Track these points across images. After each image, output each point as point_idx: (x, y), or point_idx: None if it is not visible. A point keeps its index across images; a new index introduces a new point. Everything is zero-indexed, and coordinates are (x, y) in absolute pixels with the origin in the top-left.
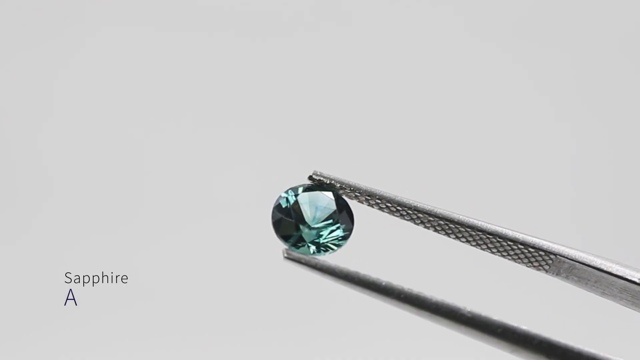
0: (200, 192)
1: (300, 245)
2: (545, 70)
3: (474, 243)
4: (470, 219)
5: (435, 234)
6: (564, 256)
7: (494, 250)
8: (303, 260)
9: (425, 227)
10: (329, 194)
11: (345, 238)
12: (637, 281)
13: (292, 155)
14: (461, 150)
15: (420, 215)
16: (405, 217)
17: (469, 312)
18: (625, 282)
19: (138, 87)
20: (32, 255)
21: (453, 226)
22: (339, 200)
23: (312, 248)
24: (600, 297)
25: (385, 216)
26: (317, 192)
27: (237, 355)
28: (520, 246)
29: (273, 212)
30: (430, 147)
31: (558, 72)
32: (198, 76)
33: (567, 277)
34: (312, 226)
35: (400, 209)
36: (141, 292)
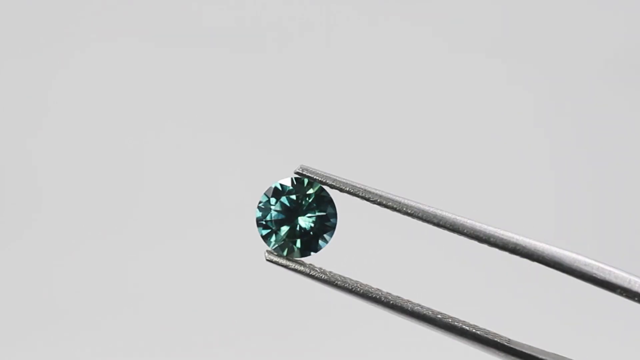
0: (198, 197)
1: (283, 245)
2: (527, 82)
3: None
4: (454, 217)
5: (424, 224)
6: (544, 263)
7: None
8: (284, 262)
9: (412, 217)
10: (312, 192)
11: (329, 235)
12: (618, 292)
13: (288, 159)
14: (452, 155)
15: (406, 211)
16: (390, 209)
17: (440, 318)
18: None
19: (133, 92)
20: (28, 259)
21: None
22: (323, 195)
23: (296, 247)
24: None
25: (372, 209)
26: (301, 188)
27: (236, 356)
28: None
29: (257, 209)
30: (423, 151)
31: (541, 84)
32: (193, 81)
33: None
34: (296, 225)
35: (386, 207)
36: (139, 297)
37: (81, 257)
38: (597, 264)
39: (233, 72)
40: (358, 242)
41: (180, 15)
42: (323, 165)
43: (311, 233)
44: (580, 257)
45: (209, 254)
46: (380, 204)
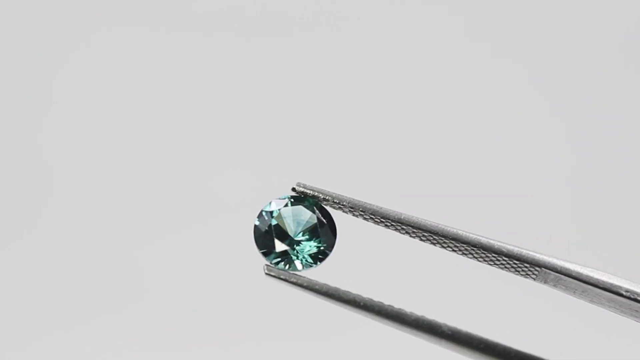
0: (200, 192)
1: (282, 260)
2: (542, 72)
3: (459, 253)
4: (454, 230)
5: (422, 242)
6: (549, 268)
7: (480, 260)
8: (283, 277)
9: (411, 236)
10: (311, 207)
11: (328, 251)
12: (624, 294)
13: (290, 156)
14: (459, 152)
15: (405, 226)
16: (390, 227)
17: (448, 328)
18: (612, 294)
19: (137, 86)
20: (31, 254)
21: (438, 237)
22: (321, 212)
23: (295, 262)
24: (589, 304)
25: (370, 225)
26: (299, 206)
27: (237, 355)
28: (504, 258)
29: (254, 227)
30: (428, 149)
31: (555, 73)
32: (197, 76)
33: (554, 286)
34: (294, 240)
35: (384, 220)
36: (140, 292)
37: (84, 252)
38: (600, 271)
39: (237, 65)
40: (358, 254)
41: (185, 5)
42: (332, 157)
43: (310, 248)
44: (586, 267)
45: (215, 248)
46: (379, 220)
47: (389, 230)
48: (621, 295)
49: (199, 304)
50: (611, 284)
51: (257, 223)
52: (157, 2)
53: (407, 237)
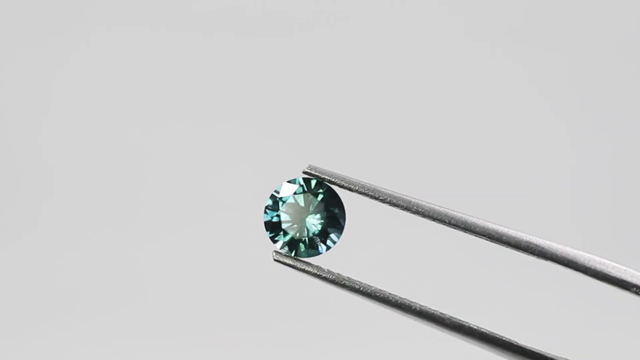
0: (200, 192)
1: (290, 245)
2: (542, 72)
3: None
4: (465, 216)
5: (432, 223)
6: (556, 261)
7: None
8: (291, 263)
9: (422, 217)
10: (321, 192)
11: (337, 237)
12: (632, 290)
13: (292, 155)
14: (459, 152)
15: (414, 213)
16: (400, 208)
17: (448, 318)
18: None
19: (137, 86)
20: (31, 254)
21: (450, 226)
22: (332, 196)
23: (303, 249)
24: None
25: (379, 211)
26: (308, 193)
27: (237, 355)
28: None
29: (265, 211)
30: (428, 149)
31: (556, 73)
32: (197, 76)
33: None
34: (304, 225)
35: (394, 206)
36: (140, 292)
37: (84, 252)
38: (611, 262)
39: (237, 65)
40: (367, 241)
41: (185, 4)
42: (332, 158)
43: (319, 234)
44: (594, 256)
45: (215, 249)
46: (389, 203)
47: (399, 211)
48: (630, 292)
49: (199, 304)
50: (619, 280)
51: (266, 207)
52: (157, 2)
53: (418, 217)
